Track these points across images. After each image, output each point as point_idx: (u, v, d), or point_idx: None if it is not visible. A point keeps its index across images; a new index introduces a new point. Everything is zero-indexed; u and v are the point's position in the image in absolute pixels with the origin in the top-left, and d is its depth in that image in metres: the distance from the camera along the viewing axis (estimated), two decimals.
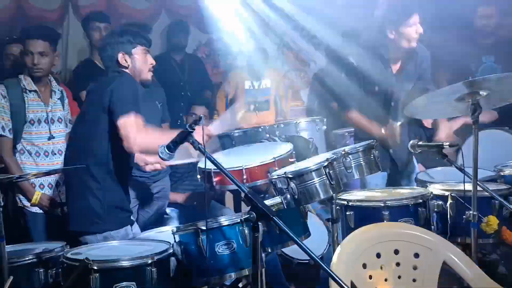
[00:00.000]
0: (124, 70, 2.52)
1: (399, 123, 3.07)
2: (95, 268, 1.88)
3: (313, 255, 1.65)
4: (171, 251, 2.06)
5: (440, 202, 2.51)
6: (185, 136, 1.95)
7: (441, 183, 2.74)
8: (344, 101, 3.25)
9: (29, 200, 2.95)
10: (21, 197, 3.00)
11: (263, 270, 2.02)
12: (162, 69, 3.29)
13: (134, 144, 2.31)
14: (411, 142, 2.50)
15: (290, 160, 2.70)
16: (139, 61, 2.53)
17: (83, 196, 2.43)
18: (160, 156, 2.09)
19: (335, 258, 1.95)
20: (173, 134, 2.25)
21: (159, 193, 3.41)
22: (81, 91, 3.47)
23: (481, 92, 2.04)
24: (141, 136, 2.32)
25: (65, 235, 2.54)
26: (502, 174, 2.79)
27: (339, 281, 1.63)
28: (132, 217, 2.58)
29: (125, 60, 2.51)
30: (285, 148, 2.81)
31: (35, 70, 2.93)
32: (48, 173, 2.87)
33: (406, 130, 3.24)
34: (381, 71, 3.12)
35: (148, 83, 2.60)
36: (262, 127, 4.33)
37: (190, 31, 4.80)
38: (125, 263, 1.94)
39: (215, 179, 2.60)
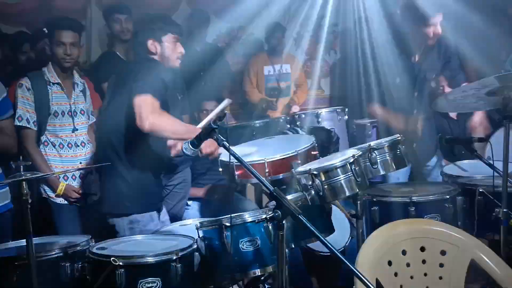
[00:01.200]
0: (153, 57, 2.54)
1: (420, 117, 2.99)
2: (121, 264, 1.89)
3: (339, 254, 1.63)
4: (195, 246, 2.06)
5: (468, 198, 2.45)
6: (208, 133, 1.94)
7: (469, 177, 2.68)
8: (365, 92, 3.18)
9: (54, 191, 2.99)
10: (45, 187, 3.03)
11: (287, 267, 2.00)
12: (182, 60, 3.26)
13: (146, 123, 2.29)
14: (439, 135, 2.44)
15: (312, 152, 2.66)
16: (169, 49, 2.55)
17: (113, 180, 2.51)
18: (184, 152, 2.09)
19: (360, 255, 1.93)
20: (187, 126, 2.25)
21: (181, 184, 3.41)
22: (103, 83, 3.48)
23: None
24: (155, 117, 2.31)
25: (90, 226, 2.58)
26: None
27: (364, 279, 1.61)
28: (161, 204, 2.62)
29: (155, 47, 2.53)
30: (307, 140, 2.77)
31: (67, 60, 2.95)
32: (73, 170, 2.90)
33: (431, 122, 3.17)
34: (402, 61, 3.04)
35: (176, 70, 2.61)
36: (283, 117, 4.32)
37: (210, 20, 4.77)
38: (150, 259, 1.95)
39: (237, 172, 2.58)
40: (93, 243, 2.19)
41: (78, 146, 3.04)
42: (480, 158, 2.30)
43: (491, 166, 2.19)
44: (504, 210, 2.07)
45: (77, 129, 3.03)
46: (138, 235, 2.31)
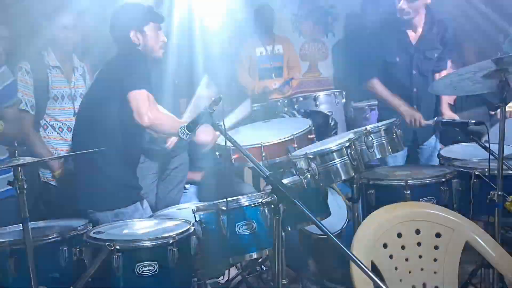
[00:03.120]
0: (136, 47, 2.49)
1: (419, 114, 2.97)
2: (118, 248, 1.91)
3: (334, 238, 1.64)
4: (191, 230, 2.07)
5: (463, 181, 2.46)
6: (205, 117, 1.94)
7: (464, 160, 2.68)
8: (364, 70, 3.15)
9: (53, 171, 2.99)
10: (43, 171, 3.04)
11: (283, 250, 2.02)
12: (177, 44, 3.24)
13: (146, 116, 2.29)
14: (435, 119, 2.44)
15: (309, 136, 2.67)
16: (151, 38, 2.51)
17: (93, 174, 2.44)
18: (179, 136, 2.09)
19: (355, 238, 1.94)
20: (181, 122, 2.23)
21: (178, 168, 3.42)
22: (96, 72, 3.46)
23: (510, 69, 1.96)
24: (153, 111, 2.31)
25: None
26: None
27: (359, 263, 1.63)
28: (142, 194, 2.59)
29: (137, 38, 2.49)
30: (304, 124, 2.77)
31: (68, 43, 2.94)
32: (65, 156, 2.89)
33: (430, 100, 3.17)
34: (400, 40, 3.02)
35: (159, 60, 2.58)
36: (280, 100, 4.32)
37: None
38: (147, 243, 1.96)
39: (233, 156, 2.60)
40: (91, 227, 2.20)
41: None
42: (476, 141, 2.30)
43: (486, 149, 2.20)
44: (499, 193, 2.08)
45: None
46: (135, 219, 2.32)
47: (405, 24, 3.00)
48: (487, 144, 2.28)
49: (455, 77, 2.10)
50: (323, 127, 3.26)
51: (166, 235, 1.99)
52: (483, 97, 3.52)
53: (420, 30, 3.03)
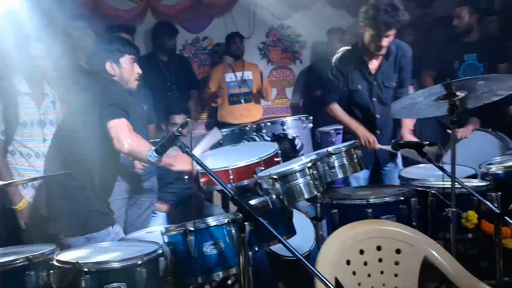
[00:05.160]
0: (113, 77, 2.55)
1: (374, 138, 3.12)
2: (86, 270, 1.92)
3: (297, 254, 1.71)
4: (160, 251, 2.10)
5: (421, 199, 2.58)
6: (172, 140, 2.00)
7: (422, 180, 2.82)
8: (326, 95, 3.30)
9: (13, 204, 2.94)
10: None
11: (250, 268, 2.07)
12: (148, 70, 3.32)
13: (125, 145, 2.33)
14: (393, 141, 2.56)
15: (275, 159, 2.75)
16: (126, 70, 2.56)
17: (64, 200, 2.45)
18: (148, 159, 2.14)
19: (319, 255, 2.02)
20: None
21: (147, 193, 3.44)
22: (69, 94, 3.48)
23: (458, 94, 2.11)
24: (133, 139, 2.36)
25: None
26: (489, 172, 2.83)
27: (323, 278, 1.69)
28: (113, 218, 2.60)
29: (113, 69, 2.54)
30: (271, 147, 2.85)
31: (38, 71, 2.96)
32: (34, 179, 2.88)
33: (391, 126, 3.33)
34: (361, 70, 3.19)
35: (133, 92, 2.65)
36: (249, 125, 4.42)
37: (176, 31, 4.84)
38: (115, 265, 1.97)
39: (202, 180, 2.64)
40: (59, 251, 2.20)
41: None
42: (430, 161, 2.43)
43: (441, 168, 2.32)
44: (453, 209, 2.20)
45: (46, 140, 3.00)
46: (104, 243, 2.33)
47: (368, 55, 3.17)
48: (442, 165, 2.40)
49: (408, 101, 2.24)
50: (289, 151, 3.36)
51: (134, 256, 2.01)
52: (438, 120, 3.71)
53: (379, 60, 3.20)
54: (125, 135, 2.32)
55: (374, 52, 3.10)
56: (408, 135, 3.15)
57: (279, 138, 3.55)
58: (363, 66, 3.17)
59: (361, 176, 3.12)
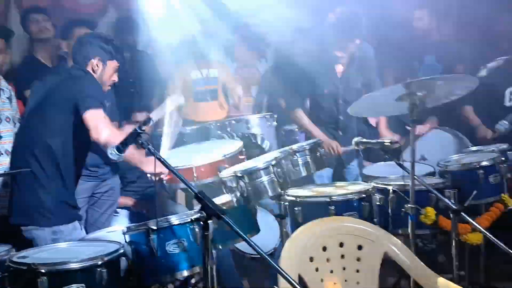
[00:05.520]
0: (92, 73, 2.54)
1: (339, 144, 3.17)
2: (43, 271, 1.86)
3: (260, 251, 1.72)
4: (121, 251, 2.06)
5: (382, 196, 2.64)
6: (134, 137, 1.97)
7: (384, 178, 2.88)
8: (290, 100, 3.33)
9: None
10: None
11: (214, 266, 2.06)
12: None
13: (103, 136, 2.32)
14: (355, 139, 2.61)
15: (240, 157, 2.75)
16: (108, 74, 2.58)
17: (32, 190, 2.44)
18: (109, 157, 2.10)
19: (283, 253, 2.03)
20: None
21: (108, 192, 3.36)
22: (25, 90, 3.37)
23: (417, 93, 2.16)
24: (112, 129, 2.36)
25: (12, 235, 2.47)
26: (446, 169, 2.92)
27: (286, 275, 1.71)
28: (79, 213, 2.60)
29: (97, 66, 2.54)
30: (235, 145, 2.85)
31: None
32: None
33: (354, 126, 3.39)
34: (328, 75, 3.23)
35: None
36: (213, 123, 4.39)
37: (138, 27, 4.75)
38: (74, 265, 1.92)
39: (165, 178, 2.62)
40: (14, 252, 2.12)
41: (2, 154, 2.94)
42: (392, 159, 2.48)
43: (400, 166, 2.38)
44: (412, 206, 2.26)
45: (1, 137, 2.93)
46: (62, 243, 2.27)
47: (334, 60, 3.21)
48: (403, 162, 2.46)
49: (370, 99, 2.28)
50: (254, 149, 3.36)
51: (94, 256, 1.96)
52: (399, 118, 3.80)
53: (344, 63, 3.24)
54: (103, 125, 2.33)
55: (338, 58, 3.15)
56: (386, 132, 3.21)
57: (249, 136, 3.57)
58: (329, 69, 3.21)
59: (325, 175, 3.16)
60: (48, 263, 1.92)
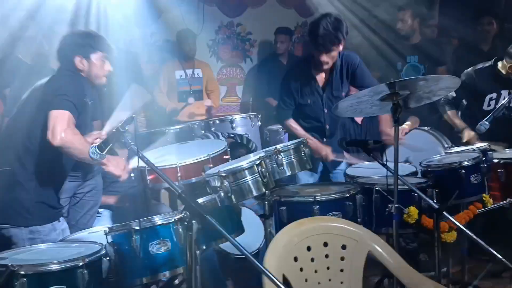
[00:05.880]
0: (80, 72, 2.51)
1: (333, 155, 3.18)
2: (22, 272, 1.82)
3: (245, 251, 1.70)
4: (103, 252, 2.03)
5: (366, 196, 2.65)
6: (117, 136, 1.94)
7: (368, 177, 2.89)
8: (281, 112, 3.34)
9: None
10: None
11: (198, 267, 2.04)
12: None
13: (57, 138, 2.29)
14: (339, 138, 2.62)
15: (224, 157, 2.73)
16: (96, 67, 2.54)
17: (12, 189, 2.42)
18: (91, 156, 2.07)
19: (267, 253, 2.02)
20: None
21: (91, 192, 3.31)
22: (5, 88, 3.32)
23: (400, 93, 2.18)
24: (68, 133, 2.31)
25: None
26: (429, 169, 2.93)
27: (270, 275, 1.70)
28: (61, 213, 2.59)
29: (82, 64, 2.51)
30: (219, 145, 2.84)
31: None
32: None
33: (340, 125, 3.40)
34: (310, 84, 3.24)
35: (102, 87, 2.60)
36: (197, 123, 4.38)
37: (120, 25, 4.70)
38: (55, 267, 1.88)
39: (149, 177, 2.59)
40: None
41: None
42: (375, 159, 2.50)
43: (384, 165, 2.39)
44: (396, 205, 2.27)
45: None
46: (42, 244, 2.23)
47: (316, 68, 3.20)
48: (386, 162, 2.48)
49: (354, 100, 2.28)
50: (240, 148, 3.36)
51: (75, 257, 1.93)
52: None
53: (327, 72, 3.23)
54: (61, 128, 2.28)
55: (319, 67, 3.14)
56: (389, 130, 3.19)
57: (235, 136, 3.56)
58: (311, 80, 3.21)
59: (311, 179, 3.18)
60: (28, 264, 1.88)
